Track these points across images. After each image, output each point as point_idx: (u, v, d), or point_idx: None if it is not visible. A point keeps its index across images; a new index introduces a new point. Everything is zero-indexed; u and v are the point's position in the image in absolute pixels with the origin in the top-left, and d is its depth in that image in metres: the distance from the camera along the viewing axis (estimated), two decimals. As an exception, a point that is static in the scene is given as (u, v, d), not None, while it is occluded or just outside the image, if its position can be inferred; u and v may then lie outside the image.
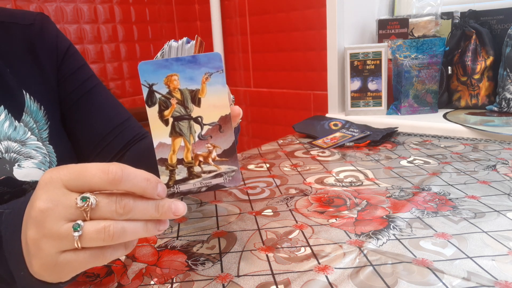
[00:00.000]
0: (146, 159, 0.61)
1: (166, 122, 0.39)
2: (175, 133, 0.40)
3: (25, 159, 0.57)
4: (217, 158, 0.41)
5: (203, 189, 0.41)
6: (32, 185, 0.57)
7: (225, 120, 0.40)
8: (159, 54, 0.47)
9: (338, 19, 1.31)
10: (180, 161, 0.40)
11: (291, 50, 1.49)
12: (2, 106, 0.57)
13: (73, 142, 0.66)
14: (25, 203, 0.35)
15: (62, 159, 0.62)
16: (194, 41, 0.47)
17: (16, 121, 0.58)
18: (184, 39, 0.47)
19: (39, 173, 0.58)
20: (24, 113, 0.59)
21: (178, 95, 0.39)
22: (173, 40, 0.47)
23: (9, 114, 0.57)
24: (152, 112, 0.39)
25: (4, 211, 0.37)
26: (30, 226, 0.33)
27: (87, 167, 0.33)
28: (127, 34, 1.54)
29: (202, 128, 0.40)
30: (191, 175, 0.41)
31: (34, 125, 0.59)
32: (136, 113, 1.28)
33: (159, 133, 0.39)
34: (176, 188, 0.40)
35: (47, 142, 0.60)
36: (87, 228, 0.32)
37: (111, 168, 0.32)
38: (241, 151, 1.01)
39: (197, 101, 0.40)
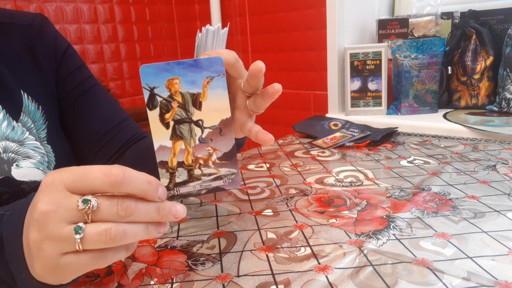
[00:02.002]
0: (145, 159, 0.61)
1: (167, 125, 0.39)
2: (176, 136, 0.40)
3: (23, 159, 0.57)
4: (217, 161, 0.41)
5: (203, 191, 0.42)
6: (31, 185, 0.57)
7: (225, 123, 0.41)
8: (198, 36, 0.48)
9: (338, 19, 1.31)
10: (180, 164, 0.40)
11: (291, 50, 1.49)
12: (0, 106, 0.57)
13: (71, 141, 0.66)
14: (26, 205, 0.35)
15: (61, 159, 0.62)
16: (228, 28, 0.48)
17: (14, 121, 0.58)
18: (219, 24, 0.48)
19: (37, 173, 0.58)
20: (22, 113, 0.59)
21: (179, 99, 0.39)
22: (208, 25, 0.48)
23: (7, 114, 0.57)
24: (153, 115, 0.39)
25: (5, 213, 0.37)
26: (32, 228, 0.33)
27: (89, 169, 0.33)
28: (127, 34, 1.54)
29: (202, 131, 0.41)
30: (191, 178, 0.41)
31: (32, 125, 0.59)
32: (136, 113, 1.29)
33: (160, 136, 0.39)
34: (176, 191, 0.41)
35: (45, 142, 0.60)
36: (89, 230, 0.32)
37: (113, 171, 0.32)
38: (241, 151, 1.01)
39: (198, 105, 0.40)
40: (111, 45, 1.50)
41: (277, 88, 0.45)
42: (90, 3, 1.42)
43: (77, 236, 0.32)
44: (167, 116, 0.39)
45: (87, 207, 0.32)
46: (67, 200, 0.32)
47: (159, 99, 0.39)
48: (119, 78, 1.54)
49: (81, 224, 0.32)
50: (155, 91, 0.38)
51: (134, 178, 0.33)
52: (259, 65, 0.43)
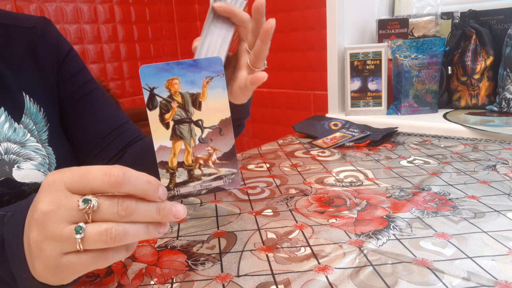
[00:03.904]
0: (145, 159, 0.61)
1: (167, 126, 0.40)
2: (176, 136, 0.40)
3: (25, 161, 0.57)
4: (217, 161, 0.42)
5: (203, 191, 0.42)
6: (32, 186, 0.57)
7: (225, 123, 0.41)
8: None
9: (338, 19, 1.31)
10: (180, 164, 0.40)
11: (291, 50, 1.49)
12: (2, 108, 0.57)
13: (71, 143, 0.66)
14: (27, 206, 0.35)
15: (62, 160, 0.62)
16: (246, 2, 0.51)
17: (16, 122, 0.58)
18: None
19: (38, 175, 0.58)
20: (23, 115, 0.59)
21: (179, 99, 0.39)
22: None
23: (9, 116, 0.57)
24: (153, 116, 0.39)
25: (6, 214, 0.37)
26: (33, 228, 0.33)
27: (89, 169, 0.33)
28: (127, 34, 1.54)
29: (202, 131, 0.41)
30: (192, 178, 0.41)
31: (34, 127, 0.60)
32: (136, 113, 1.29)
33: (160, 136, 0.39)
34: (177, 191, 0.41)
35: (47, 144, 0.61)
36: (89, 230, 0.32)
37: (113, 171, 0.32)
38: (241, 151, 1.01)
39: (197, 105, 0.40)
40: (111, 45, 1.50)
41: (270, 21, 0.49)
42: (90, 3, 1.42)
43: (78, 236, 0.32)
44: (167, 116, 0.39)
45: (87, 207, 0.32)
46: (68, 200, 0.32)
47: (159, 99, 0.39)
48: (119, 78, 1.54)
49: (81, 224, 0.32)
50: (155, 91, 0.39)
51: (135, 178, 0.33)
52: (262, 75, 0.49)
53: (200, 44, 0.49)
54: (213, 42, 0.50)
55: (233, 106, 0.55)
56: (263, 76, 0.51)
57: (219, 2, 0.49)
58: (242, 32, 0.53)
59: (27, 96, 0.60)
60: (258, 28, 0.51)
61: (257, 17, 0.50)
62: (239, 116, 0.58)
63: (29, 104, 0.60)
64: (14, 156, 0.56)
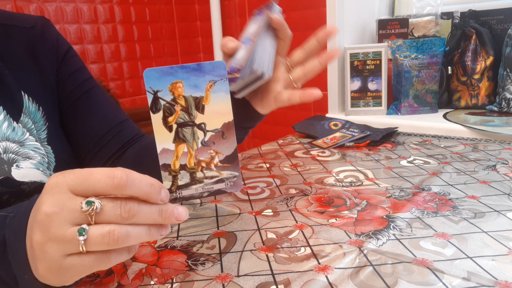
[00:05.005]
0: (145, 158, 0.61)
1: (170, 129, 0.40)
2: (179, 139, 0.40)
3: (24, 160, 0.57)
4: (219, 164, 0.42)
5: (205, 194, 0.42)
6: (31, 185, 0.57)
7: (228, 126, 0.41)
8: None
9: (338, 19, 1.31)
10: (183, 167, 0.41)
11: (291, 50, 1.49)
12: (1, 107, 0.57)
13: (71, 142, 0.66)
14: (29, 207, 0.35)
15: (61, 159, 0.62)
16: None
17: (15, 122, 0.58)
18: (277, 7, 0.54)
19: (37, 174, 0.58)
20: (22, 114, 0.59)
21: (182, 102, 0.40)
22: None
23: (8, 115, 0.57)
24: (156, 119, 0.39)
25: (8, 215, 0.38)
26: (36, 230, 0.33)
27: (92, 171, 0.33)
28: (127, 34, 1.54)
29: (205, 135, 0.41)
30: (194, 181, 0.41)
31: (33, 126, 0.60)
32: (136, 113, 1.29)
33: (163, 139, 0.40)
34: (179, 193, 0.41)
35: (46, 143, 0.61)
36: (92, 232, 0.32)
37: (116, 173, 0.32)
38: (241, 151, 1.01)
39: (201, 108, 0.40)
40: (111, 45, 1.50)
41: (338, 50, 0.53)
42: (90, 3, 1.42)
43: (81, 238, 0.32)
44: (170, 119, 0.40)
45: (90, 209, 0.32)
46: (71, 202, 0.32)
47: (162, 102, 0.39)
48: (119, 78, 1.54)
49: (84, 226, 0.32)
50: (159, 94, 0.39)
51: (138, 181, 0.33)
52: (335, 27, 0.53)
53: (252, 54, 0.51)
54: (260, 54, 0.52)
55: (254, 114, 0.57)
56: (318, 95, 0.54)
57: (276, 14, 0.52)
58: (281, 46, 0.57)
59: (26, 95, 0.60)
60: (316, 48, 0.55)
61: (324, 40, 0.54)
62: (253, 123, 0.59)
63: (28, 103, 0.60)
64: (13, 155, 0.57)
